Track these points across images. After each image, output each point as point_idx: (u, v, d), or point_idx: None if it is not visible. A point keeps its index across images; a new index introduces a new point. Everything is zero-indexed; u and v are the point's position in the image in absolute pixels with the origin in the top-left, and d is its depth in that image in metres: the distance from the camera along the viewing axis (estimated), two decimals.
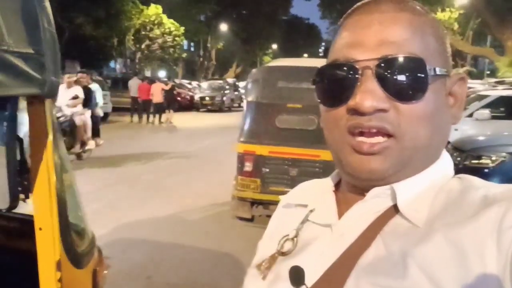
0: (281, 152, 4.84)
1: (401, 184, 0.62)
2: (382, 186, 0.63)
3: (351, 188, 0.68)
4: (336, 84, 0.62)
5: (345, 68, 0.61)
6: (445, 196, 0.61)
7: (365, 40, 0.61)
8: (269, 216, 4.78)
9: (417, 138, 0.59)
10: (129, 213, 5.65)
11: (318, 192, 0.75)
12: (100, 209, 5.59)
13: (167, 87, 17.53)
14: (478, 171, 5.25)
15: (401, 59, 0.58)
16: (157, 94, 16.86)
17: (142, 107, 17.32)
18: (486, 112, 8.30)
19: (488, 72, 27.87)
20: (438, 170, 0.65)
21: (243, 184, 4.97)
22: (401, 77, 0.58)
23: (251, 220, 5.31)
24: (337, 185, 0.74)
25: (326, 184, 0.75)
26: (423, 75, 0.59)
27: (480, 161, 5.41)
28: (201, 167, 8.67)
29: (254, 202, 5.16)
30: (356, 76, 0.60)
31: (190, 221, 5.53)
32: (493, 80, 15.28)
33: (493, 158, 5.38)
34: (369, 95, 0.58)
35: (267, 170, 4.89)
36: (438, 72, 0.60)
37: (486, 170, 5.32)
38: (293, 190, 0.83)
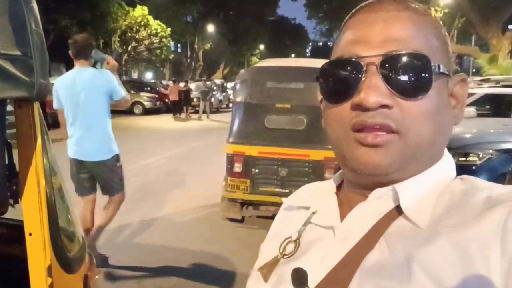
0: (271, 153, 4.84)
1: (403, 184, 0.62)
2: (385, 185, 0.62)
3: (354, 189, 0.68)
4: (340, 81, 0.62)
5: (349, 65, 0.61)
6: (448, 197, 0.61)
7: (370, 37, 0.61)
8: (259, 217, 4.77)
9: (420, 136, 0.59)
10: (118, 216, 5.58)
11: (320, 194, 0.75)
12: None
13: (184, 88, 20.92)
14: (466, 169, 5.31)
15: (405, 56, 0.59)
16: (173, 93, 20.28)
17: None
18: (472, 110, 8.37)
19: (474, 70, 28.21)
20: (441, 170, 0.65)
21: (233, 185, 4.97)
22: (406, 74, 0.58)
23: (241, 221, 5.31)
24: (339, 187, 0.74)
25: (328, 186, 0.75)
26: (427, 72, 0.59)
27: (468, 158, 5.46)
28: (190, 169, 8.64)
29: (244, 203, 5.16)
30: (361, 72, 0.60)
31: (180, 223, 5.50)
32: (478, 78, 15.45)
33: (480, 156, 5.44)
34: (373, 90, 0.58)
35: (257, 170, 4.88)
36: (442, 70, 0.60)
37: (473, 168, 5.37)
38: (295, 193, 0.82)
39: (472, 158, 5.46)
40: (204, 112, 20.91)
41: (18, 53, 0.89)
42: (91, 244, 3.89)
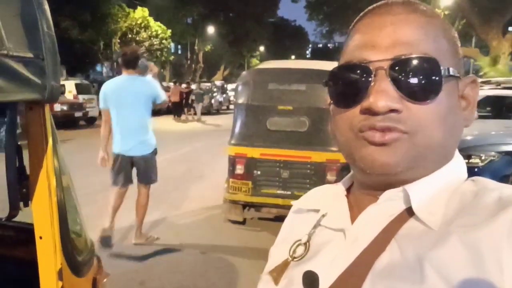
0: (273, 154, 4.83)
1: (414, 186, 0.61)
2: (395, 186, 0.62)
3: (364, 190, 0.68)
4: (349, 85, 0.62)
5: (358, 69, 0.61)
6: (459, 198, 0.60)
7: (378, 41, 0.61)
8: (261, 219, 4.76)
9: (429, 138, 0.59)
10: (119, 218, 5.59)
11: (329, 196, 0.75)
12: (90, 214, 5.52)
13: (186, 90, 21.57)
14: (468, 171, 5.27)
15: (414, 59, 0.58)
16: (174, 95, 20.39)
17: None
18: None
19: (474, 72, 28.20)
20: (451, 171, 0.65)
21: (234, 187, 4.96)
22: (415, 77, 0.58)
23: (243, 223, 5.30)
24: (349, 190, 0.74)
25: (337, 189, 0.75)
26: (436, 75, 0.59)
27: (470, 160, 5.46)
28: (191, 170, 8.63)
29: (246, 205, 5.16)
30: (370, 76, 0.60)
31: (182, 225, 5.50)
32: (479, 80, 15.45)
33: (483, 158, 5.44)
34: (382, 95, 0.58)
35: (259, 172, 4.88)
36: (451, 73, 0.60)
37: (476, 170, 5.37)
38: (304, 196, 0.82)
39: (474, 160, 5.46)
40: (195, 114, 21.00)
41: (30, 55, 0.89)
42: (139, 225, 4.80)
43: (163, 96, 4.63)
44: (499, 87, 10.09)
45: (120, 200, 4.66)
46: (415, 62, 0.58)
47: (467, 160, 5.46)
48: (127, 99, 4.37)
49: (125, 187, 4.62)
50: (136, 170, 4.61)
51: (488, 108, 9.25)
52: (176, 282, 3.94)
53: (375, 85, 0.59)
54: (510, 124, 8.00)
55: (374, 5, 0.66)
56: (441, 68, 0.59)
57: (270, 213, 5.02)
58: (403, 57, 0.58)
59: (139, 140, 4.48)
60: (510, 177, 5.02)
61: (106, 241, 4.46)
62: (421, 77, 0.58)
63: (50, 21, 0.94)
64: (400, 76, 0.58)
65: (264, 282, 0.74)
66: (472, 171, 5.25)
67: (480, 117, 8.45)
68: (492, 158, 5.44)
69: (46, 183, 1.05)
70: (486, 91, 9.61)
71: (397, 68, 0.58)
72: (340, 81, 0.64)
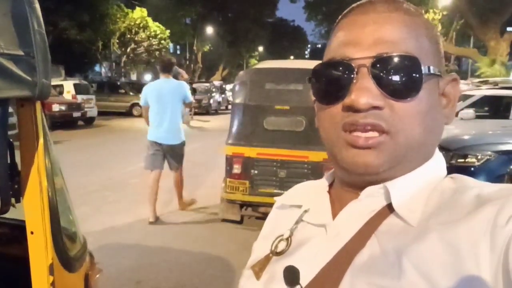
0: (270, 154, 4.84)
1: (394, 183, 0.62)
2: (376, 183, 0.63)
3: (346, 187, 0.68)
4: (332, 82, 0.63)
5: (341, 66, 0.62)
6: (438, 195, 0.61)
7: (361, 39, 0.61)
8: (258, 218, 4.76)
9: (411, 136, 0.60)
10: (117, 217, 5.61)
11: (312, 192, 0.75)
12: (87, 214, 5.55)
13: None
14: (464, 170, 5.32)
15: (396, 58, 0.59)
16: None
17: None
18: (471, 112, 8.41)
19: (472, 72, 28.27)
20: (431, 169, 0.66)
21: (232, 187, 4.97)
22: (396, 75, 0.59)
23: (240, 222, 5.31)
24: (331, 186, 0.75)
25: (320, 185, 0.76)
26: (417, 74, 0.59)
27: (466, 160, 5.47)
28: (189, 170, 8.58)
29: (243, 204, 5.16)
30: (352, 74, 0.60)
31: (179, 224, 5.50)
32: (476, 80, 15.51)
33: (479, 157, 5.45)
34: (364, 92, 0.58)
35: (256, 172, 4.89)
36: (432, 71, 0.61)
37: (472, 169, 5.38)
38: (287, 192, 0.83)
39: (470, 160, 5.47)
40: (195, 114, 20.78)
41: (21, 53, 0.90)
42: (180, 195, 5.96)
43: (191, 98, 5.70)
44: (496, 87, 10.13)
45: (156, 185, 5.48)
46: (396, 60, 0.59)
47: (463, 160, 5.48)
48: (163, 97, 5.36)
49: (157, 170, 5.50)
50: (166, 157, 5.56)
51: (486, 108, 9.28)
52: (172, 281, 3.94)
53: (357, 83, 0.59)
54: (506, 124, 8.03)
55: (358, 2, 0.66)
56: (422, 66, 0.59)
57: (267, 212, 5.02)
58: (384, 55, 0.59)
59: (171, 131, 5.43)
60: (505, 176, 5.04)
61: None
62: (402, 75, 0.59)
63: (40, 19, 0.95)
64: (381, 74, 0.59)
65: (246, 277, 0.76)
66: (468, 171, 5.31)
67: (478, 116, 8.48)
68: (488, 157, 5.45)
69: (38, 178, 1.06)
70: (484, 91, 9.64)
71: (378, 65, 0.59)
72: (323, 77, 0.65)
